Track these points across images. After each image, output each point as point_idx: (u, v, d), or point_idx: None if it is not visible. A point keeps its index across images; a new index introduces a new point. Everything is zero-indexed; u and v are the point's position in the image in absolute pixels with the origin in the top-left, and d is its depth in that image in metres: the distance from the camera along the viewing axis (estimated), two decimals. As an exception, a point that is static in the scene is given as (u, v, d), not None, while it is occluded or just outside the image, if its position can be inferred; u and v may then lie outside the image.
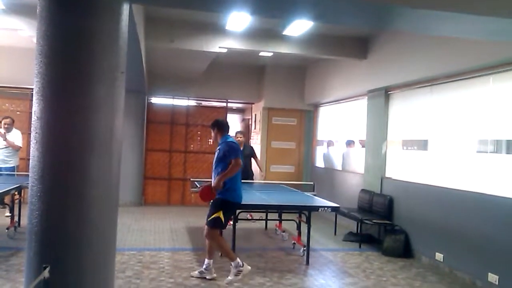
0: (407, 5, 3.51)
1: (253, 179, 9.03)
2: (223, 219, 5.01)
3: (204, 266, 5.18)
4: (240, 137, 8.54)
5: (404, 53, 7.00)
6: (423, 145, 6.96)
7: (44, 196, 2.74)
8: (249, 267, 5.08)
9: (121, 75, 3.02)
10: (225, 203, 5.05)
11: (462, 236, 5.69)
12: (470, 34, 4.63)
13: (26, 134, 9.22)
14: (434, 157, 6.64)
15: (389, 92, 7.76)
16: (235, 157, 5.01)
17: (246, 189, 7.78)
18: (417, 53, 6.65)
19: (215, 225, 5.03)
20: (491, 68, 5.46)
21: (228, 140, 5.23)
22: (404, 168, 7.38)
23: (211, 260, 5.18)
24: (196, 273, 5.20)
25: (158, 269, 5.47)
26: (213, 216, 5.02)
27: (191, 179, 8.40)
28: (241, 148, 8.67)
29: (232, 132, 7.29)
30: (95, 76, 2.84)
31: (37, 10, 2.82)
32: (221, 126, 5.32)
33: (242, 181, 7.76)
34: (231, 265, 5.03)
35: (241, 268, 4.98)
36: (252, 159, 9.01)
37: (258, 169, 9.34)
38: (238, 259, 5.00)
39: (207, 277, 5.10)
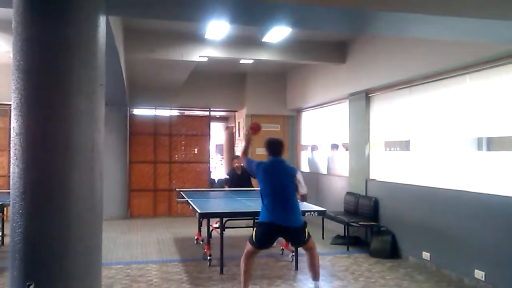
0: (382, 9, 3.58)
1: None
2: (253, 236, 4.74)
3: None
4: (237, 163, 8.94)
5: (382, 56, 7.10)
6: (405, 145, 7.05)
7: (26, 213, 2.69)
8: None
9: (100, 87, 3.00)
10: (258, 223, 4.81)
11: (448, 234, 5.76)
12: (444, 35, 4.74)
13: (7, 151, 9.10)
14: (416, 157, 6.73)
15: (369, 95, 7.84)
16: None
17: (232, 197, 7.78)
18: (395, 55, 6.75)
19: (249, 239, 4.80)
20: (467, 67, 5.57)
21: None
22: (387, 169, 7.45)
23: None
24: None
25: (146, 282, 5.42)
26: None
27: (177, 189, 8.35)
28: (239, 173, 8.81)
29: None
30: (73, 89, 2.81)
31: (13, 25, 2.79)
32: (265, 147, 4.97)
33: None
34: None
35: None
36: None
37: None
38: None
39: None
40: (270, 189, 4.68)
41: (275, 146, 4.84)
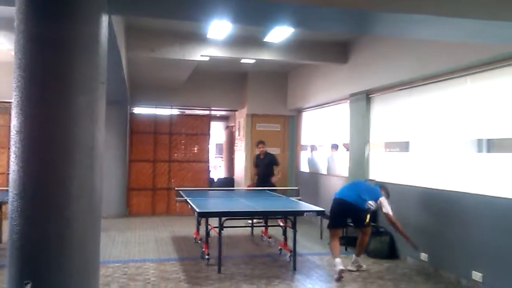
0: (384, 10, 3.57)
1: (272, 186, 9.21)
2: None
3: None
4: (262, 147, 9.43)
5: (384, 57, 7.10)
6: (404, 146, 7.05)
7: (24, 211, 2.69)
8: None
9: (101, 85, 3.00)
10: None
11: (446, 236, 5.77)
12: (446, 37, 4.74)
13: (7, 149, 9.10)
14: (416, 158, 6.73)
15: (370, 96, 7.85)
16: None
17: (232, 196, 7.79)
18: (396, 56, 6.75)
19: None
20: (467, 69, 5.57)
21: None
22: (387, 170, 7.45)
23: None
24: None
25: (143, 280, 5.42)
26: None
27: (176, 188, 8.35)
28: (262, 157, 9.07)
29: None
30: (74, 88, 2.81)
31: (15, 24, 2.79)
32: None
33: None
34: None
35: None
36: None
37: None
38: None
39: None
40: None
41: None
